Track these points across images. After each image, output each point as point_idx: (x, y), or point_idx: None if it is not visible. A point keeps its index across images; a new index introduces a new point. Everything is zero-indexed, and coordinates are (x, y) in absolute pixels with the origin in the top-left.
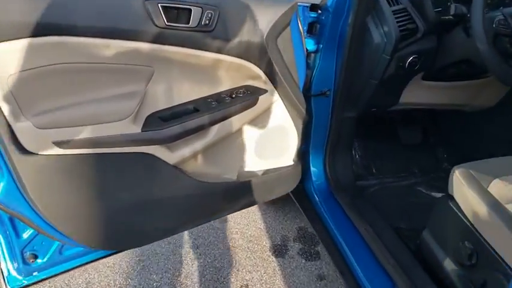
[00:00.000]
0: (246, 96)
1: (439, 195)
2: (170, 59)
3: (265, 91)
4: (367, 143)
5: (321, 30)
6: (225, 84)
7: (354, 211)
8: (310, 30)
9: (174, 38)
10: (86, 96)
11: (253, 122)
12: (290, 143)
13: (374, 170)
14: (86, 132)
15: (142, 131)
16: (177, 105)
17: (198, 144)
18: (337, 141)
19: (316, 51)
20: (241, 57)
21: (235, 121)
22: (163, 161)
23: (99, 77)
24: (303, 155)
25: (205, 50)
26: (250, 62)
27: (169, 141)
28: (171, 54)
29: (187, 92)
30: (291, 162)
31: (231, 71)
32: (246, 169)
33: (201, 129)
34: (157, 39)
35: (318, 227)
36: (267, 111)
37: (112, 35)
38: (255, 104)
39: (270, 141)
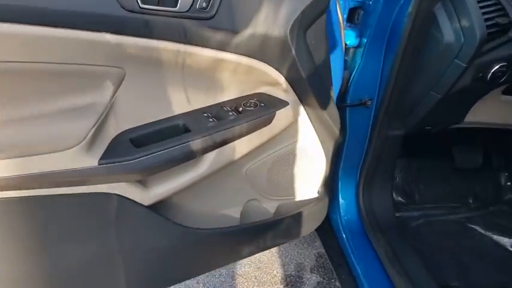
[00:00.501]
0: (259, 111)
1: (504, 240)
2: (149, 58)
3: (286, 103)
4: (410, 162)
5: (365, 19)
6: (229, 92)
7: (393, 261)
8: (351, 18)
9: (154, 27)
10: (11, 113)
11: (266, 144)
12: (315, 171)
13: (417, 198)
14: (11, 168)
15: (100, 164)
16: (157, 122)
17: (186, 177)
18: (376, 166)
19: (357, 47)
20: (253, 57)
21: (241, 145)
22: (135, 202)
23: (36, 83)
24: (330, 181)
25: (201, 46)
26: (266, 63)
27: (144, 175)
28: (150, 51)
29: (174, 103)
30: (315, 195)
31: (237, 75)
32: (254, 205)
33: (191, 157)
34: (129, 29)
35: (343, 274)
36: (286, 131)
37: (58, 21)
38: (271, 122)
39: (288, 169)
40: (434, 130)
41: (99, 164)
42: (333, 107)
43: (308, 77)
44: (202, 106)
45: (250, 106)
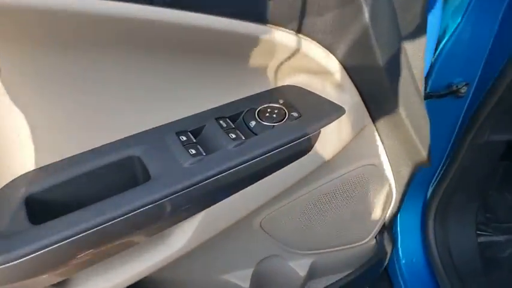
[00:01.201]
0: (289, 128)
1: None
2: (58, 28)
3: (339, 110)
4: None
5: None
6: (232, 88)
7: None
8: None
9: None
10: None
11: (299, 183)
12: (376, 209)
13: (502, 214)
14: None
15: None
16: (84, 157)
17: (145, 263)
18: (458, 183)
19: None
20: (277, 23)
21: (251, 196)
22: None
23: None
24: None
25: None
26: (306, 34)
27: (51, 279)
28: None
29: (120, 114)
30: (371, 242)
31: (246, 58)
32: (274, 263)
33: (154, 232)
34: None
35: None
36: (335, 158)
37: None
38: (311, 148)
39: (332, 210)
40: None
41: None
42: (421, 112)
43: (389, 62)
44: (178, 118)
45: (272, 117)
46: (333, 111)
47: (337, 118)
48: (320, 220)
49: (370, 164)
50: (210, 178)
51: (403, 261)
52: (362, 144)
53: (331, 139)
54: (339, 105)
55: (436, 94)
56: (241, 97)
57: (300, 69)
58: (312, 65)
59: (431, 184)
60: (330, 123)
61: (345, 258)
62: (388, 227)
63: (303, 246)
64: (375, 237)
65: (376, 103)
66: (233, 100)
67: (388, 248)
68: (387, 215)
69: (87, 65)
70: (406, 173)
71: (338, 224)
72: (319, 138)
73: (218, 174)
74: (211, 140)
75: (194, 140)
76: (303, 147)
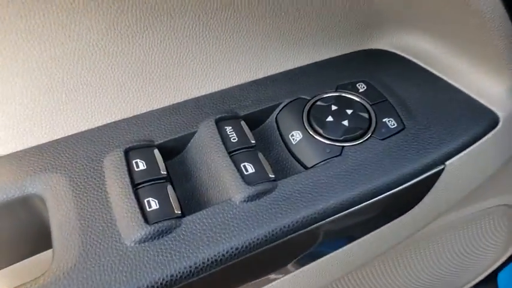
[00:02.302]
0: (378, 153)
1: None
2: None
3: (490, 121)
4: None
5: None
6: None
7: None
8: None
9: None
10: None
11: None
12: (484, 260)
13: None
14: None
15: None
16: None
17: None
18: None
19: None
20: None
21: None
22: None
23: None
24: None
25: None
26: None
27: None
28: None
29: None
30: None
31: None
32: None
33: None
34: None
35: None
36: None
37: None
38: (421, 197)
39: (415, 260)
40: None
41: None
42: None
43: None
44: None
45: (340, 126)
46: (475, 120)
47: (482, 136)
48: (392, 270)
49: (506, 205)
50: (183, 280)
51: None
52: (506, 175)
53: (462, 177)
54: (487, 107)
55: None
56: (280, 70)
57: (415, 25)
58: (446, 15)
59: None
60: (466, 147)
61: None
62: (491, 278)
63: None
64: None
65: None
66: (263, 76)
67: None
68: (497, 265)
69: None
70: None
71: (418, 273)
72: (440, 178)
73: (203, 272)
74: (199, 174)
75: (163, 173)
76: (406, 199)
